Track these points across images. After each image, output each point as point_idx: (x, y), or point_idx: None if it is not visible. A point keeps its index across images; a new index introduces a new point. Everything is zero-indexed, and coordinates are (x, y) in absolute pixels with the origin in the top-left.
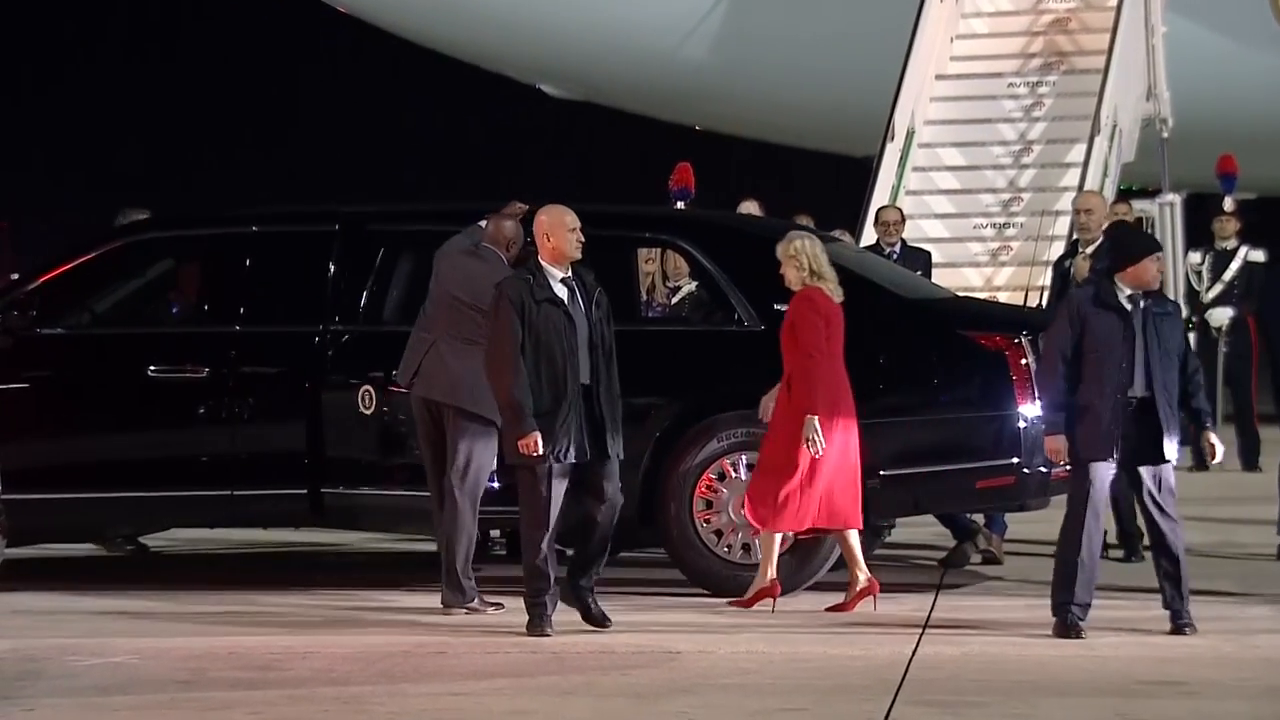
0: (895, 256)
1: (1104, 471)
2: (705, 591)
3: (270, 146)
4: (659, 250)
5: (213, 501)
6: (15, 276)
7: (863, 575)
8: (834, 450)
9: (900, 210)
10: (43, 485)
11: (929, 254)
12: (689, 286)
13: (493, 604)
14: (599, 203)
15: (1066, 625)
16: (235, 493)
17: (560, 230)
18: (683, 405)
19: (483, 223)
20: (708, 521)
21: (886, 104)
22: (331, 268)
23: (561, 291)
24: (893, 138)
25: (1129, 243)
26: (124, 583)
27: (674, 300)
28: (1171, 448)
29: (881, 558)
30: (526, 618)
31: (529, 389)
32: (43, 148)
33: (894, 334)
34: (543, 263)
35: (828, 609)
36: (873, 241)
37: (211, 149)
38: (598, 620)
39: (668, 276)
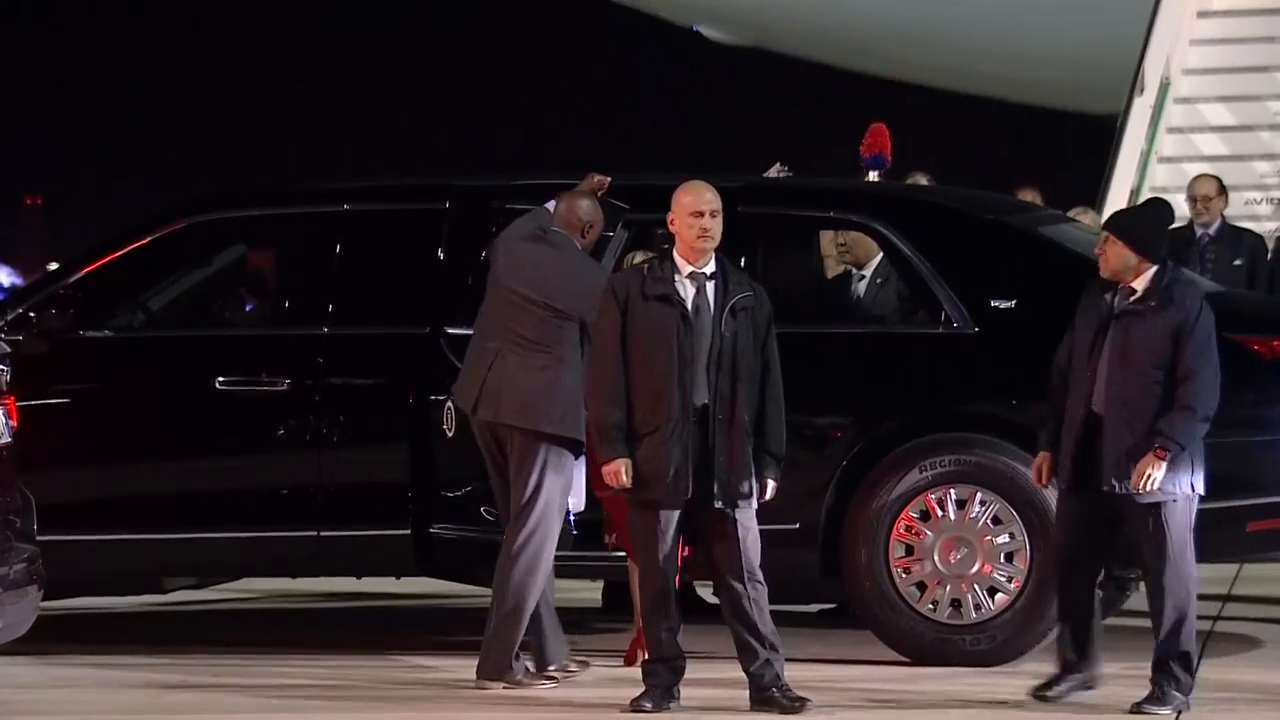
0: (1207, 241)
1: None
2: (904, 659)
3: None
4: (847, 233)
5: (295, 545)
6: (53, 266)
7: None
8: None
9: (1218, 180)
10: (86, 524)
11: (1260, 238)
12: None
13: (577, 661)
14: (772, 174)
15: None
16: (322, 534)
17: (681, 214)
18: (875, 427)
19: (551, 203)
20: (907, 571)
21: (1134, 49)
22: (441, 254)
23: (685, 290)
24: (1141, 91)
25: None
26: (185, 644)
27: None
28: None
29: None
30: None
31: (623, 404)
32: (100, 110)
33: None
34: (675, 253)
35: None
36: (1184, 222)
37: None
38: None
39: (859, 265)
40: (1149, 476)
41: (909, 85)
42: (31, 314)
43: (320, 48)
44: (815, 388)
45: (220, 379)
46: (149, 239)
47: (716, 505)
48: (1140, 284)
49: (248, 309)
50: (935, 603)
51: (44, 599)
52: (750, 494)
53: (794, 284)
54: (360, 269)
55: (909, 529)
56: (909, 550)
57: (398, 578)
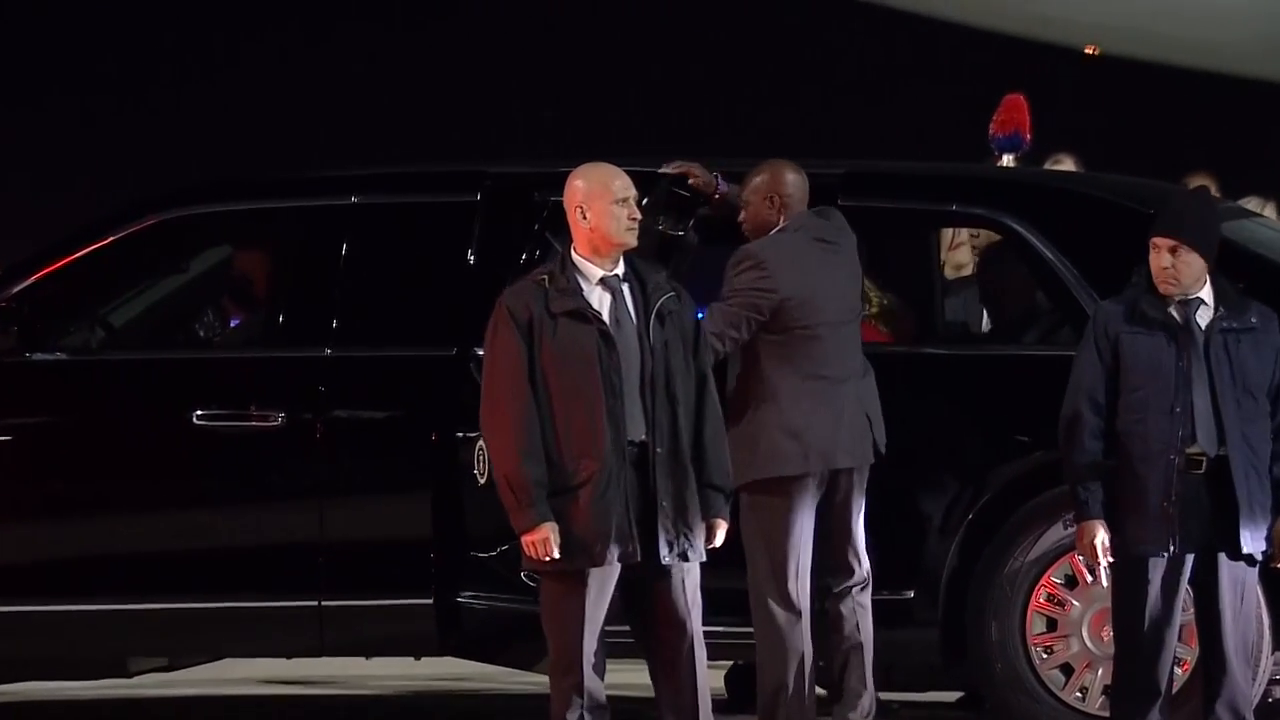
0: None
1: None
2: None
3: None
4: (972, 231)
5: (291, 617)
6: None
7: None
8: None
9: None
10: (35, 594)
11: None
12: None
13: None
14: (879, 158)
15: None
16: (324, 604)
17: (601, 202)
18: (1007, 470)
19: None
20: (1049, 650)
21: None
22: (471, 258)
23: (599, 300)
24: None
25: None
26: None
27: None
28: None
29: None
30: None
31: (541, 455)
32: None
33: None
34: (575, 255)
35: None
36: None
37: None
38: None
39: None
40: None
41: (1052, 47)
42: None
43: (308, 30)
44: (931, 421)
45: (199, 412)
46: (111, 240)
47: (665, 561)
48: (1207, 295)
49: (233, 325)
50: (1084, 690)
51: None
52: (701, 542)
53: (906, 293)
54: (372, 276)
55: (1051, 598)
56: (1051, 625)
57: (417, 658)
